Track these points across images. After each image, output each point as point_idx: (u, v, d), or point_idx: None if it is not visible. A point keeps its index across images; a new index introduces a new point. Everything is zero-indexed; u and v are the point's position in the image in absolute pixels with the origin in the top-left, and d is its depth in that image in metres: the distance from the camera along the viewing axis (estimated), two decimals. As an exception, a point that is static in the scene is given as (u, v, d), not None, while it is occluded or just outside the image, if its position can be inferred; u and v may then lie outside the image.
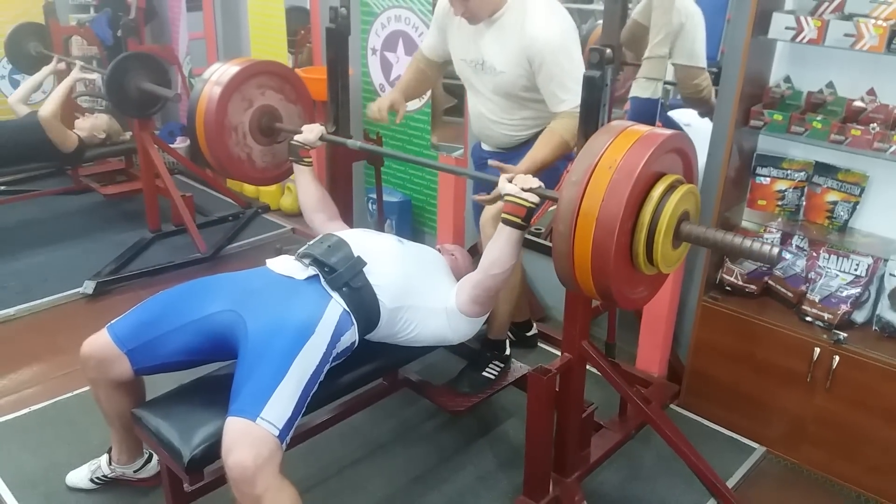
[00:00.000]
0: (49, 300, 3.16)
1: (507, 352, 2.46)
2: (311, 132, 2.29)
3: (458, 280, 2.01)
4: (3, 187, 4.10)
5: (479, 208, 2.57)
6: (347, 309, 1.81)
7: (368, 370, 2.05)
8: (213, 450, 1.63)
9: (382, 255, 1.95)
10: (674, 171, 1.57)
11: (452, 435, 2.39)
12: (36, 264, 3.50)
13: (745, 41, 2.09)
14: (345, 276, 1.82)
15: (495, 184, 1.87)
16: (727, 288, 2.38)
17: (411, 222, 3.59)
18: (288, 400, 1.61)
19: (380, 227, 2.99)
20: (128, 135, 4.03)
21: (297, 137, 2.30)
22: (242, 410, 1.56)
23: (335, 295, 1.81)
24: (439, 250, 2.24)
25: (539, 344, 2.88)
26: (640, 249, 1.50)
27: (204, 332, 1.75)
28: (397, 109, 2.45)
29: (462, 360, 2.50)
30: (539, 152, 2.09)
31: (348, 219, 2.64)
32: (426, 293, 1.96)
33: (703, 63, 2.37)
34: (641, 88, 2.54)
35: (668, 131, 1.55)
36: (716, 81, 2.39)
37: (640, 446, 2.31)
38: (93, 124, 3.73)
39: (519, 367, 2.42)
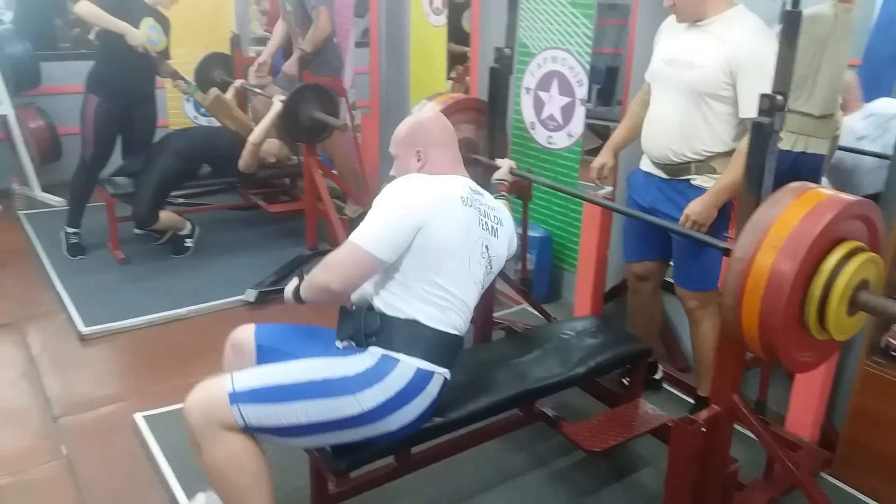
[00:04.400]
0: (215, 304, 3.46)
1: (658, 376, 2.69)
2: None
3: None
4: (181, 199, 4.53)
5: (630, 246, 2.57)
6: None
7: (504, 399, 2.10)
8: (363, 454, 1.73)
9: None
10: (857, 238, 1.52)
11: (585, 475, 2.37)
12: (206, 271, 3.84)
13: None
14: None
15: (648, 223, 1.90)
16: (893, 353, 2.23)
17: (551, 258, 3.62)
18: (268, 377, 1.69)
19: (523, 263, 3.05)
20: (295, 159, 4.38)
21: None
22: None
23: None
24: None
25: (671, 389, 2.82)
26: (811, 314, 1.47)
27: None
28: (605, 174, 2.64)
29: (599, 403, 2.49)
30: (729, 175, 2.18)
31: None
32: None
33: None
34: (813, 145, 2.48)
35: (853, 198, 1.50)
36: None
37: (784, 512, 2.20)
38: (265, 149, 4.06)
39: (658, 415, 2.37)
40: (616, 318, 3.12)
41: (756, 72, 2.12)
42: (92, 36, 4.29)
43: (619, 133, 2.62)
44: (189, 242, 3.97)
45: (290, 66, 4.27)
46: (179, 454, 2.35)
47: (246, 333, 1.97)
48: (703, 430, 1.81)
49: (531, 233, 3.51)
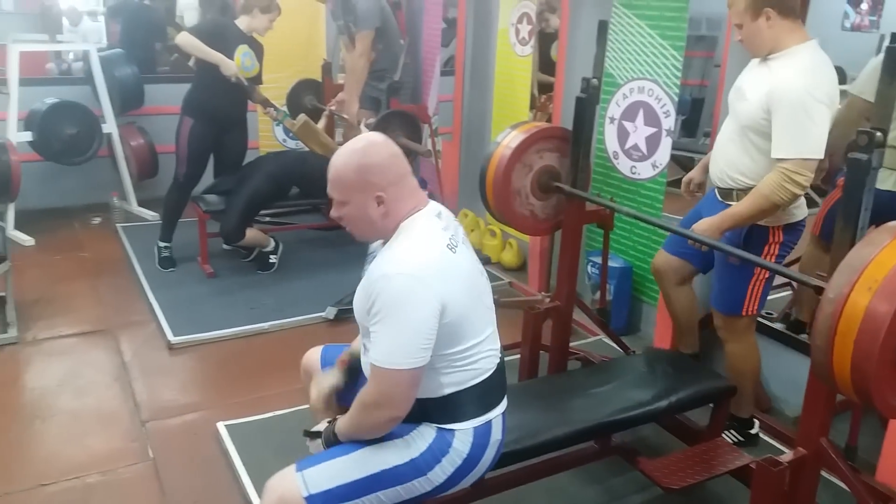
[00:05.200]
0: (297, 320, 3.56)
1: (754, 430, 2.57)
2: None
3: None
4: (267, 218, 4.70)
5: (723, 285, 2.53)
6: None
7: (580, 430, 2.08)
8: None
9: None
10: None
11: (660, 513, 2.32)
12: (289, 287, 3.96)
13: None
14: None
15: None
16: None
17: (630, 290, 3.57)
18: (339, 475, 1.63)
19: (602, 293, 3.02)
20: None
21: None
22: (301, 460, 1.69)
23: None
24: None
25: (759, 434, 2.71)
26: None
27: None
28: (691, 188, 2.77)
29: (677, 439, 2.44)
30: (738, 206, 2.29)
31: (573, 282, 2.71)
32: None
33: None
34: (880, 180, 2.39)
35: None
36: None
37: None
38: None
39: (740, 455, 2.30)
40: (698, 353, 3.04)
41: (788, 110, 2.12)
42: (191, 63, 4.53)
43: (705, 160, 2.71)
44: (273, 259, 4.10)
45: (342, 100, 4.33)
46: (257, 463, 2.42)
47: (315, 357, 2.01)
48: (788, 473, 1.75)
49: (611, 263, 3.47)
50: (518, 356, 2.86)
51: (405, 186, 1.65)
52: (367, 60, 4.18)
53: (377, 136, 1.67)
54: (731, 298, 2.49)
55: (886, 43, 1.62)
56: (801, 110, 2.11)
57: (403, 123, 3.86)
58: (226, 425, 2.68)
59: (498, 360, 1.74)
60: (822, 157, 2.15)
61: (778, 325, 3.04)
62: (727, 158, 2.39)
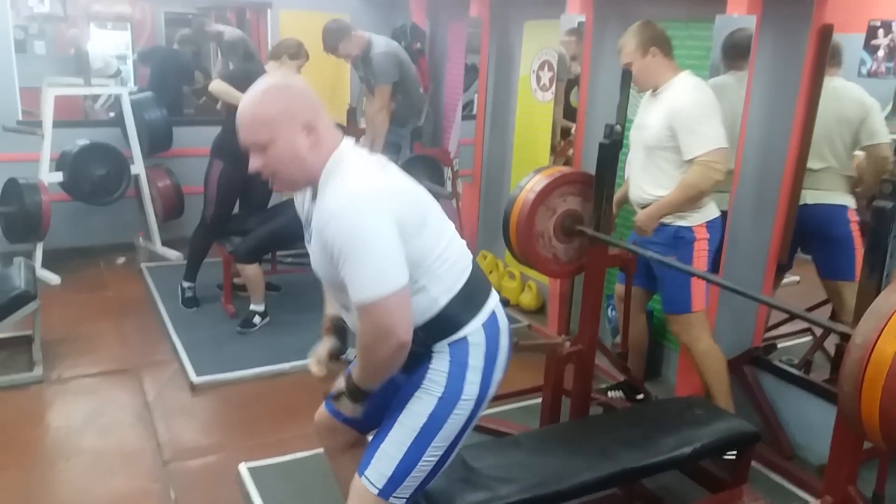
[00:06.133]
0: (317, 361, 3.56)
1: None
2: None
3: None
4: (290, 259, 4.74)
5: (669, 291, 2.82)
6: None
7: (604, 476, 2.07)
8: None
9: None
10: None
11: (685, 563, 2.28)
12: (311, 328, 3.92)
13: None
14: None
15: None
16: None
17: (651, 334, 3.56)
18: (391, 456, 1.65)
19: (623, 338, 3.02)
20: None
21: None
22: (359, 467, 1.70)
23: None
24: None
25: (777, 479, 2.72)
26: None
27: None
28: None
29: (701, 487, 2.41)
30: (669, 196, 2.67)
31: (595, 325, 2.72)
32: None
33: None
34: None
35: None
36: None
37: None
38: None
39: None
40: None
41: (686, 120, 2.62)
42: (219, 106, 4.65)
43: (621, 190, 3.05)
44: (258, 322, 3.96)
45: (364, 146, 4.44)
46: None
47: (324, 414, 1.96)
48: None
49: (631, 307, 3.48)
50: (539, 401, 2.86)
51: (325, 117, 1.60)
52: (387, 112, 4.36)
53: (278, 71, 1.63)
54: (679, 300, 2.81)
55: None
56: (697, 116, 2.62)
57: (426, 167, 3.92)
58: (248, 467, 2.68)
59: (470, 255, 1.76)
60: (726, 145, 2.63)
61: (803, 374, 3.01)
62: (644, 180, 2.81)
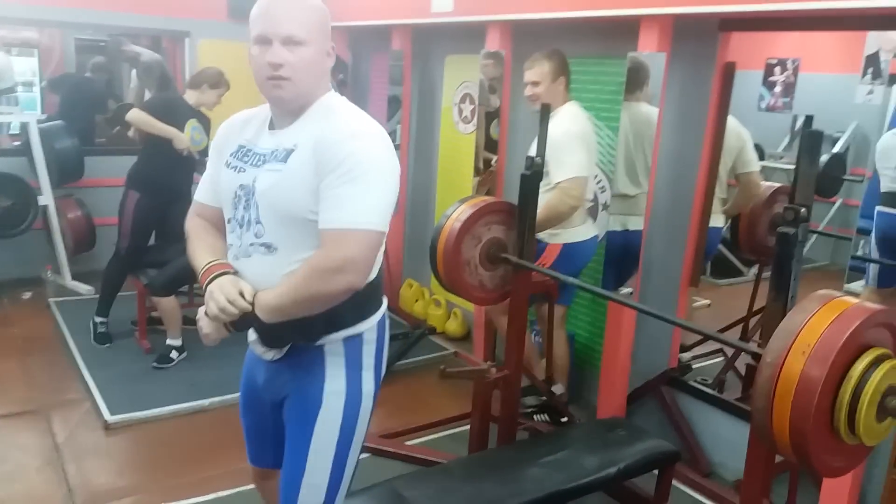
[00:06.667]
0: (237, 396, 3.46)
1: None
2: None
3: None
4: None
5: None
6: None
7: (533, 500, 2.09)
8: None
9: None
10: (883, 345, 1.57)
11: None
12: (230, 362, 3.79)
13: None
14: None
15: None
16: (923, 464, 2.22)
17: (574, 359, 3.64)
18: (318, 486, 1.64)
19: (548, 362, 3.09)
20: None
21: None
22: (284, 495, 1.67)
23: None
24: None
25: (695, 495, 2.81)
26: (841, 419, 1.50)
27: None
28: None
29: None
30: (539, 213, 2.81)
31: (521, 351, 2.77)
32: None
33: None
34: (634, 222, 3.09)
35: (878, 307, 1.56)
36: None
37: None
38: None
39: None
40: (641, 420, 3.11)
41: (555, 150, 2.82)
42: (131, 133, 4.51)
43: None
44: (175, 357, 3.81)
45: None
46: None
47: (259, 473, 1.93)
48: (736, 536, 1.80)
49: (554, 332, 3.56)
50: (466, 428, 2.87)
51: None
52: None
53: None
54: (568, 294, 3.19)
55: (800, 125, 1.78)
56: (564, 146, 2.87)
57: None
58: (166, 509, 2.58)
59: None
60: (584, 175, 2.94)
61: (716, 392, 3.15)
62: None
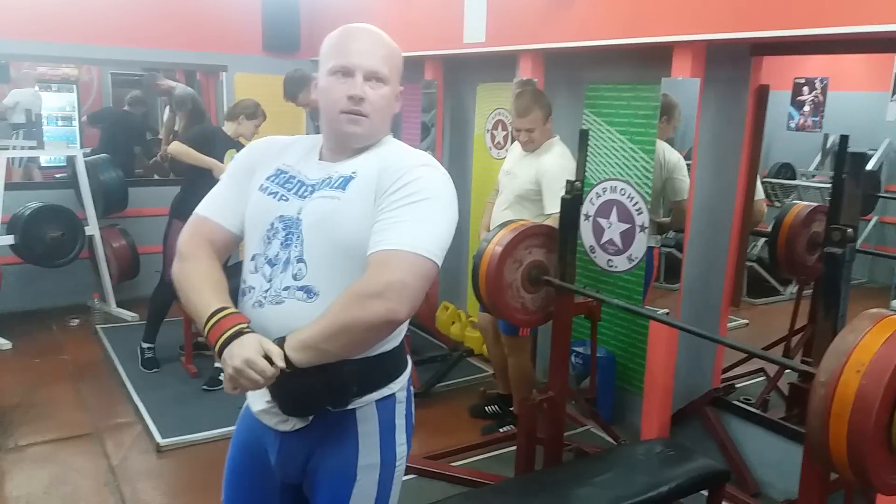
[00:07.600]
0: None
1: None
2: None
3: None
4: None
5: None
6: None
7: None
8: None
9: None
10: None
11: None
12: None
13: None
14: None
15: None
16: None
17: (614, 380, 3.67)
18: None
19: (592, 383, 3.12)
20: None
21: None
22: None
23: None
24: None
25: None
26: (897, 437, 1.53)
27: None
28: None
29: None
30: None
31: (565, 372, 2.81)
32: None
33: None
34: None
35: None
36: None
37: None
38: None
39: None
40: (685, 441, 3.13)
41: (551, 183, 3.09)
42: (166, 164, 4.66)
43: (483, 220, 3.57)
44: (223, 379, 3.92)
45: None
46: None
47: None
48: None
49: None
50: (508, 450, 2.91)
51: None
52: None
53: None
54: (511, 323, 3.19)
55: (831, 143, 1.83)
56: (559, 180, 2.96)
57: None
58: (223, 529, 2.63)
59: None
60: None
61: (761, 412, 3.16)
62: (509, 218, 3.09)
